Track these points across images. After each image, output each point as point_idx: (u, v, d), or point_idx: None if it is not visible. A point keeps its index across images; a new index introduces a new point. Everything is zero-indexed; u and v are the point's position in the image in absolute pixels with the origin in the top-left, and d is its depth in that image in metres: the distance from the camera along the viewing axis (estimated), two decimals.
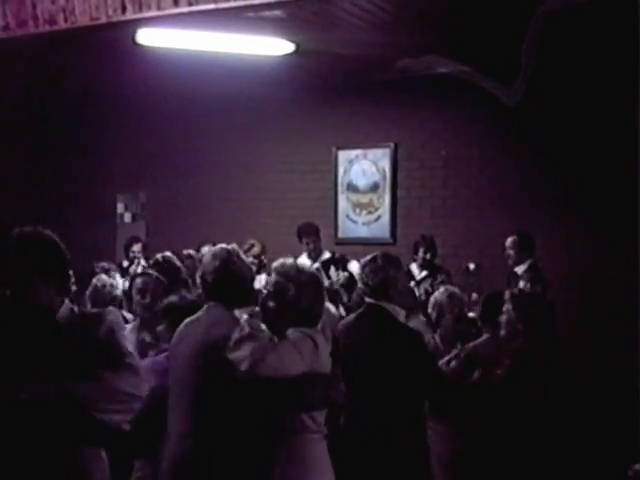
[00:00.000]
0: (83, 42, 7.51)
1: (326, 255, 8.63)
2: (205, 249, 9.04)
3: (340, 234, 10.05)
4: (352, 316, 5.17)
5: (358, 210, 10.08)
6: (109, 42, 7.52)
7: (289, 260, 4.32)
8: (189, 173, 10.82)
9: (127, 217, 11.46)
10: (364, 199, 10.04)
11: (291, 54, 7.99)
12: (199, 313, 4.21)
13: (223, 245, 4.32)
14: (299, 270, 4.14)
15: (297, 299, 3.99)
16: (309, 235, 8.73)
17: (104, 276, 6.67)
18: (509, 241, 8.21)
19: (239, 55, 7.94)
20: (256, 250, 8.70)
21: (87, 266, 7.59)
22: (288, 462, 3.87)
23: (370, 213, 10.01)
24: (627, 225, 6.03)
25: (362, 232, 10.04)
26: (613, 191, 8.21)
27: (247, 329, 3.80)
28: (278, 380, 3.79)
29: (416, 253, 8.49)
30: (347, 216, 10.13)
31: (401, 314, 4.98)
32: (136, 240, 9.52)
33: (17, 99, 10.36)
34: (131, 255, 9.20)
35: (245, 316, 3.88)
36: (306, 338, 3.92)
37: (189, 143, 10.83)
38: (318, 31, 7.47)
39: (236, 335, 3.81)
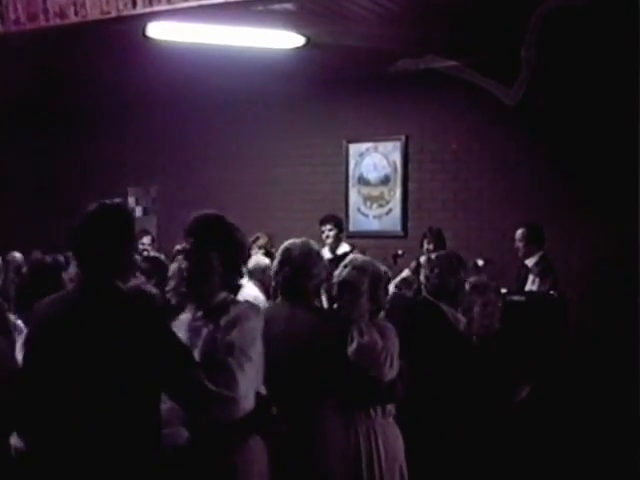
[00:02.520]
0: (94, 36, 7.52)
1: (344, 248, 8.62)
2: None
3: (351, 227, 10.05)
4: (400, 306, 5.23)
5: (369, 203, 10.07)
6: (119, 36, 7.52)
7: (361, 255, 4.76)
8: (200, 167, 10.83)
9: (138, 211, 11.47)
10: (375, 192, 10.03)
11: (301, 47, 7.97)
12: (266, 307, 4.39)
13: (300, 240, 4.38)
14: (372, 264, 4.40)
15: (371, 290, 4.26)
16: (328, 222, 8.76)
17: None
18: (518, 233, 8.20)
19: (249, 48, 7.93)
20: (261, 242, 8.71)
21: None
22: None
23: (381, 206, 10.00)
24: (633, 218, 6.04)
25: (373, 225, 10.03)
26: (623, 186, 8.20)
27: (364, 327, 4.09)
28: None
29: (422, 246, 8.49)
30: (358, 209, 10.12)
31: (462, 322, 4.98)
32: (145, 233, 9.53)
33: (27, 92, 10.38)
34: (141, 248, 9.22)
35: None
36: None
37: (200, 137, 10.84)
38: (329, 24, 7.45)
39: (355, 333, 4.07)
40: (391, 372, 4.14)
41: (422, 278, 5.19)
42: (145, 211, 11.44)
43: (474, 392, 4.79)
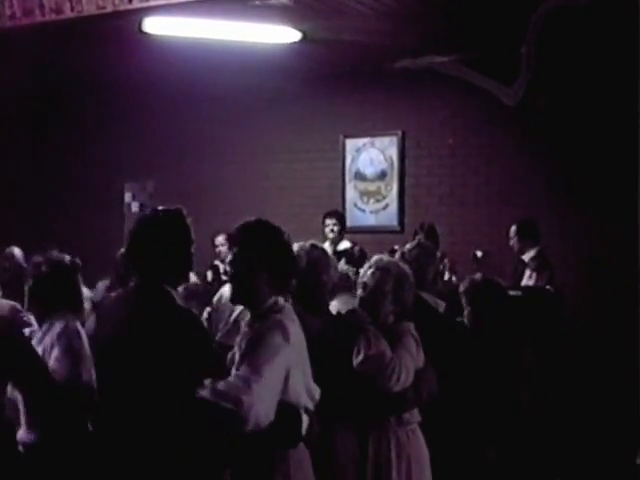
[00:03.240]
0: (89, 31, 7.50)
1: (345, 244, 8.61)
2: (219, 239, 9.06)
3: (348, 222, 10.00)
4: None
5: (366, 198, 10.07)
6: (116, 31, 7.52)
7: (386, 256, 4.62)
8: (197, 162, 10.82)
9: (135, 206, 11.44)
10: (372, 187, 10.03)
11: (298, 42, 7.97)
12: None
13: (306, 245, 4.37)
14: (397, 265, 4.40)
15: (395, 292, 4.25)
16: (332, 217, 8.77)
17: None
18: (511, 230, 8.21)
19: (246, 43, 7.92)
20: None
21: (94, 256, 7.59)
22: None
23: (378, 201, 10.00)
24: (632, 217, 6.05)
25: (370, 220, 10.03)
26: (622, 184, 8.21)
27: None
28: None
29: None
30: (355, 204, 10.11)
31: (440, 305, 5.02)
32: None
33: (23, 88, 10.36)
34: None
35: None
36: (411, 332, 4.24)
37: (196, 132, 10.82)
38: (325, 19, 7.45)
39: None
40: (398, 385, 4.07)
41: None
42: (142, 207, 11.40)
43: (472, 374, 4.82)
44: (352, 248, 8.41)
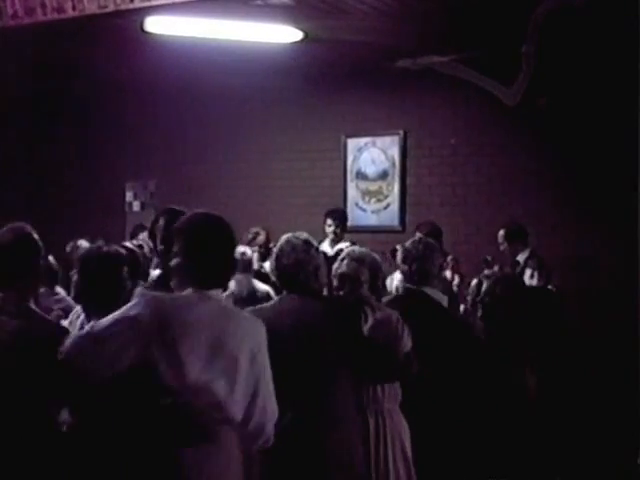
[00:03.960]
0: (91, 30, 7.51)
1: (345, 244, 8.60)
2: None
3: (349, 222, 9.98)
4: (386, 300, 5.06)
5: (367, 198, 10.07)
6: (117, 30, 7.51)
7: (358, 247, 4.90)
8: (198, 161, 10.82)
9: (136, 206, 11.45)
10: (373, 187, 10.03)
11: (299, 42, 7.96)
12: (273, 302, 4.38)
13: (299, 235, 4.38)
14: (370, 255, 4.57)
15: (372, 281, 4.43)
16: (334, 216, 8.74)
17: None
18: (499, 236, 8.19)
19: (247, 43, 7.92)
20: (262, 239, 8.71)
21: None
22: None
23: (379, 201, 9.99)
24: (633, 217, 6.06)
25: (371, 220, 10.03)
26: (623, 184, 8.21)
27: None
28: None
29: None
30: (356, 204, 10.11)
31: (444, 300, 5.07)
32: (142, 228, 9.50)
33: (24, 87, 10.37)
34: (136, 244, 9.18)
35: None
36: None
37: (198, 131, 10.82)
38: (327, 19, 7.45)
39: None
40: (409, 342, 4.25)
41: (403, 269, 5.13)
42: (143, 206, 11.41)
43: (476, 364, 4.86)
44: (351, 245, 8.43)
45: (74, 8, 6.44)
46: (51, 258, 6.22)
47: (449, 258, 8.18)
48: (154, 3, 6.22)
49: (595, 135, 8.47)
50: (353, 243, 8.55)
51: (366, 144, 10.05)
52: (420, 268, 4.86)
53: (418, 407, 4.56)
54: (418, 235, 8.13)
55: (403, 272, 5.10)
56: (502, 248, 8.19)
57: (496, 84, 8.69)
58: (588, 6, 6.63)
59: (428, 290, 4.98)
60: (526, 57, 8.29)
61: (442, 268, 6.73)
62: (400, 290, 6.08)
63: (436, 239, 8.29)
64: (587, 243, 8.51)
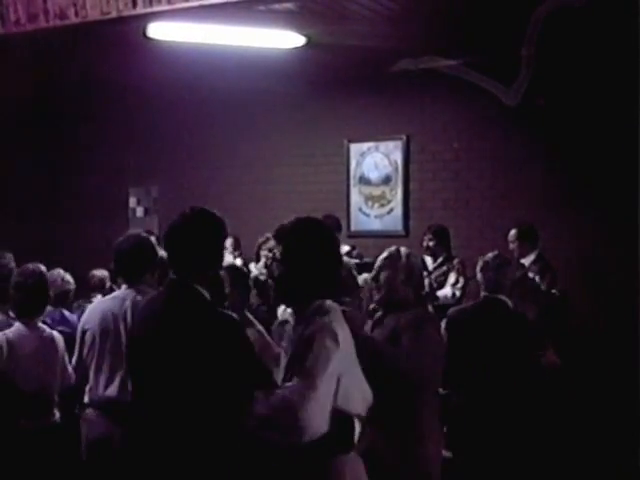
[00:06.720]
0: (94, 36, 7.51)
1: (344, 249, 8.59)
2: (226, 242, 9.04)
3: (352, 227, 10.04)
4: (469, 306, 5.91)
5: (370, 203, 10.06)
6: (120, 36, 7.52)
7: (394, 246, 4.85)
8: (201, 166, 10.83)
9: (139, 211, 11.47)
10: (376, 192, 10.03)
11: (302, 47, 7.97)
12: None
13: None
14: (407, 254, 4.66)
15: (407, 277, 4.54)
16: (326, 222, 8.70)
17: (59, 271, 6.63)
18: (511, 234, 8.19)
19: (250, 48, 7.93)
20: (272, 244, 8.71)
21: (99, 260, 7.61)
22: None
23: (382, 206, 9.99)
24: (633, 216, 6.07)
25: (374, 225, 10.03)
26: (623, 184, 8.22)
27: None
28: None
29: (423, 244, 8.49)
30: (359, 209, 10.11)
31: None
32: (150, 233, 9.50)
33: (28, 93, 10.38)
34: None
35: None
36: None
37: (201, 137, 10.84)
38: (329, 24, 7.45)
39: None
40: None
41: (480, 279, 5.72)
42: (146, 211, 11.43)
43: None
44: (351, 251, 8.45)
45: (77, 14, 6.43)
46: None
47: (455, 261, 8.25)
48: (156, 9, 6.21)
49: (595, 135, 8.47)
50: (353, 247, 8.58)
51: (369, 149, 10.06)
52: (495, 280, 5.52)
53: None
54: (426, 239, 8.35)
55: (479, 281, 5.69)
56: (512, 247, 8.16)
57: (496, 84, 8.68)
58: (588, 7, 6.62)
59: (502, 297, 5.50)
60: (526, 58, 8.30)
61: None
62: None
63: (441, 240, 8.45)
64: (588, 244, 8.50)
